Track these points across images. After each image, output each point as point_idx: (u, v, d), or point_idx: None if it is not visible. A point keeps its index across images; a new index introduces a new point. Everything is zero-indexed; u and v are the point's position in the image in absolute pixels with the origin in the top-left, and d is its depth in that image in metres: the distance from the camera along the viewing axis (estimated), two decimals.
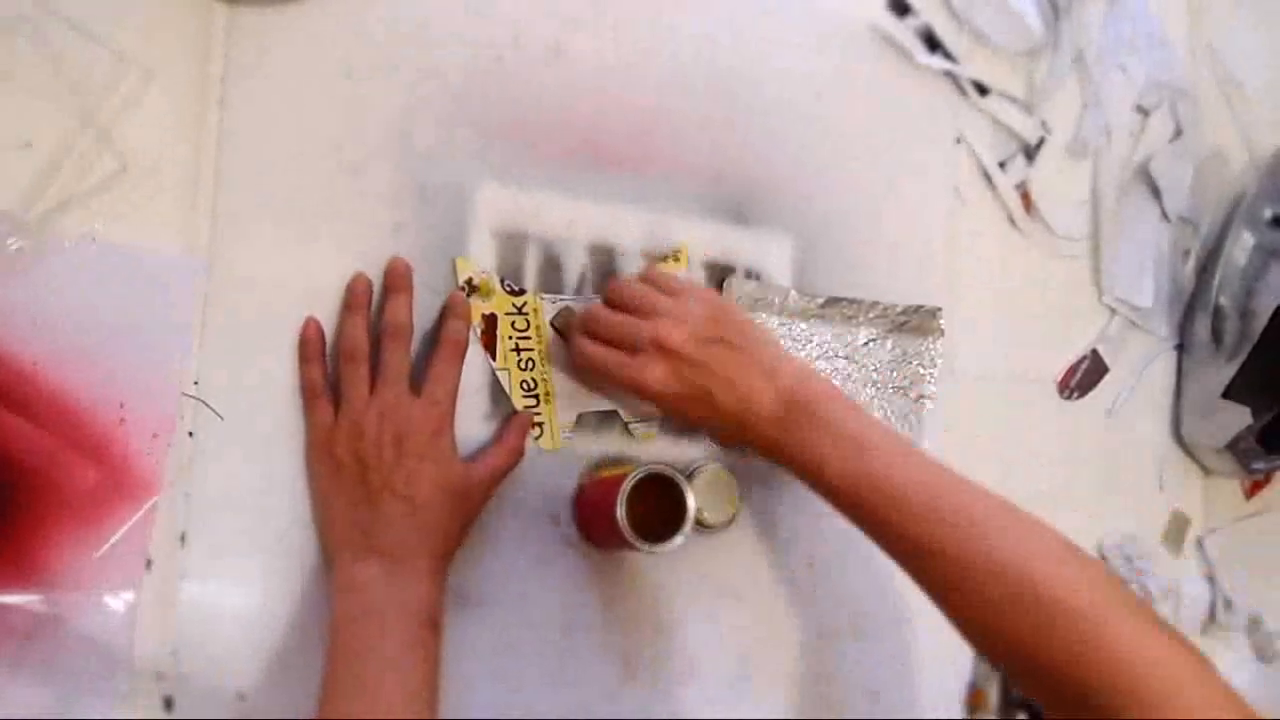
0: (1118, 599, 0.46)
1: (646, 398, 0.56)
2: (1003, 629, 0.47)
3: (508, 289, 0.60)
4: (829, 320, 0.67)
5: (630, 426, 0.62)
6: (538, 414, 0.59)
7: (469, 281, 0.59)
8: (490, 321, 0.59)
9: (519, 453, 0.58)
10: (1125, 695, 0.42)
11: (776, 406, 0.54)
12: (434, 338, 0.57)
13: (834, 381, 0.67)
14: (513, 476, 0.58)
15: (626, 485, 0.53)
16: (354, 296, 0.56)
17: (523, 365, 0.59)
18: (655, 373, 0.55)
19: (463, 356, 0.57)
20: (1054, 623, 0.45)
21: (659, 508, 0.54)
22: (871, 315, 0.68)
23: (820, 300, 0.67)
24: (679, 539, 0.54)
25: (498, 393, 0.59)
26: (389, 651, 0.49)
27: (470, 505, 0.55)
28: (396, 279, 0.56)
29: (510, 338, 0.59)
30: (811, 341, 0.67)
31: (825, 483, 0.53)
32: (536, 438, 0.59)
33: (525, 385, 0.59)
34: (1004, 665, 0.50)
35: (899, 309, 0.68)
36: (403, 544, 0.52)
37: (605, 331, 0.57)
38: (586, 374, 0.60)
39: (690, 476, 0.62)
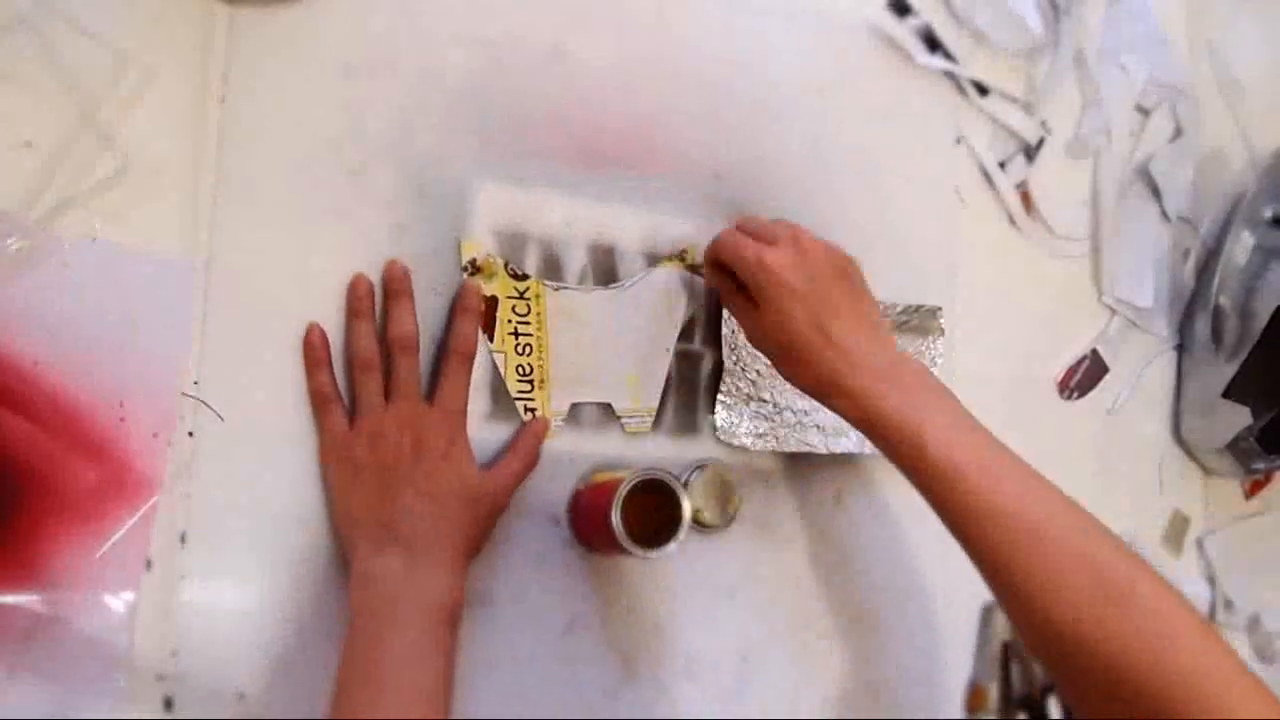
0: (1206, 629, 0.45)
1: (760, 283, 0.54)
2: (1089, 621, 0.45)
3: (511, 272, 0.60)
4: None
5: (623, 421, 0.62)
6: (531, 400, 0.59)
7: (473, 262, 0.59)
8: (491, 304, 0.59)
9: (535, 458, 0.58)
10: (1206, 710, 0.42)
11: (886, 360, 0.53)
12: (443, 342, 0.57)
13: None
14: None
15: (621, 491, 0.53)
16: (358, 302, 0.56)
17: (520, 350, 0.59)
18: (782, 257, 0.54)
19: (472, 362, 0.57)
20: (1151, 628, 0.44)
21: (655, 512, 0.54)
22: None
23: None
24: (674, 545, 0.54)
25: (499, 392, 0.59)
26: (404, 645, 0.49)
27: (489, 508, 0.55)
28: (396, 284, 0.57)
29: (510, 321, 0.59)
30: None
31: (922, 449, 0.50)
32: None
33: (521, 370, 0.59)
34: (1067, 655, 0.47)
35: (899, 309, 0.68)
36: (423, 536, 0.52)
37: (748, 225, 0.58)
38: (584, 364, 0.60)
39: (689, 477, 0.62)
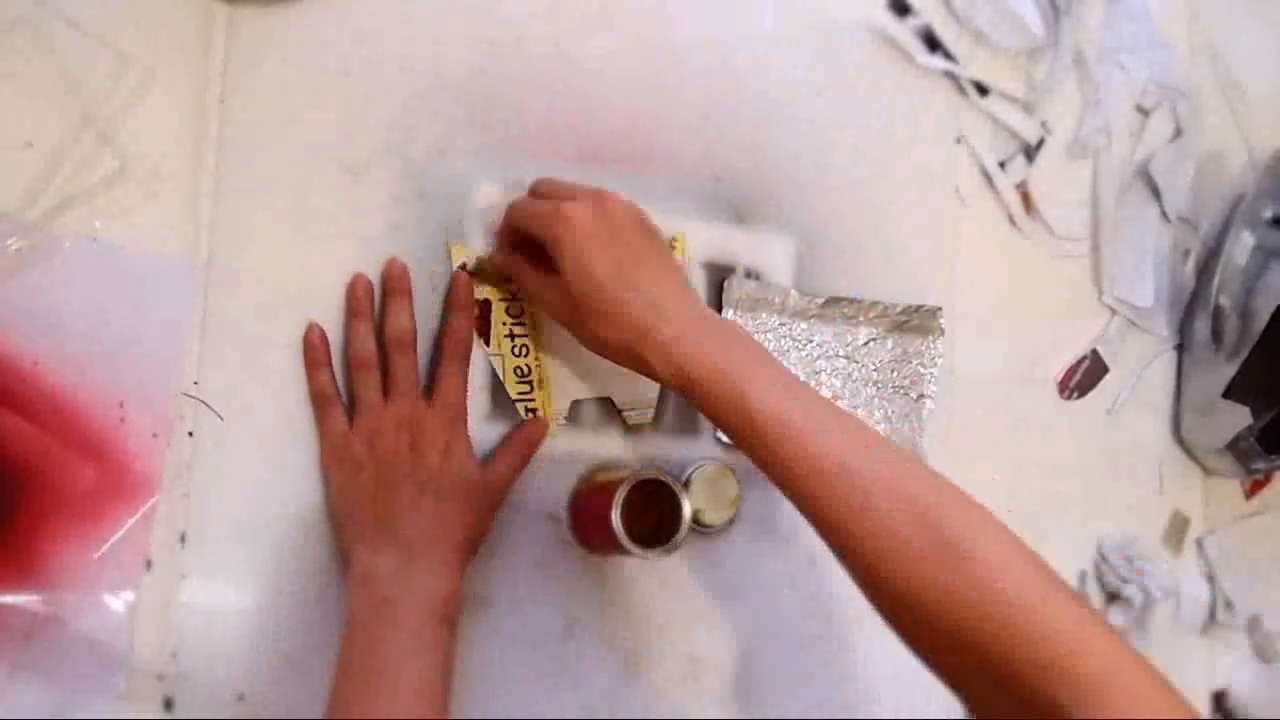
0: (1060, 586, 0.43)
1: (559, 234, 0.51)
2: (919, 579, 0.43)
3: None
4: (829, 320, 0.67)
5: (624, 414, 0.61)
6: (531, 400, 0.59)
7: (463, 266, 0.59)
8: (484, 308, 0.59)
9: (532, 451, 0.58)
10: (1057, 674, 0.39)
11: (698, 313, 0.50)
12: (438, 338, 0.57)
13: (834, 381, 0.67)
14: None
15: (621, 492, 0.53)
16: (356, 301, 0.56)
17: (517, 351, 0.59)
18: (581, 208, 0.51)
19: (468, 355, 0.57)
20: (992, 589, 0.42)
21: (655, 512, 0.54)
22: (872, 315, 0.68)
23: (820, 300, 0.67)
24: (674, 545, 0.54)
25: (499, 393, 0.59)
26: (400, 644, 0.48)
27: (488, 503, 0.55)
28: (394, 281, 0.57)
29: (504, 323, 0.59)
30: (811, 341, 0.67)
31: (744, 402, 0.46)
32: None
33: (519, 371, 0.59)
34: (914, 624, 0.45)
35: (899, 309, 0.68)
36: (422, 534, 0.52)
37: (541, 187, 0.57)
38: (582, 360, 0.60)
39: (689, 476, 0.62)
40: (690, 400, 0.49)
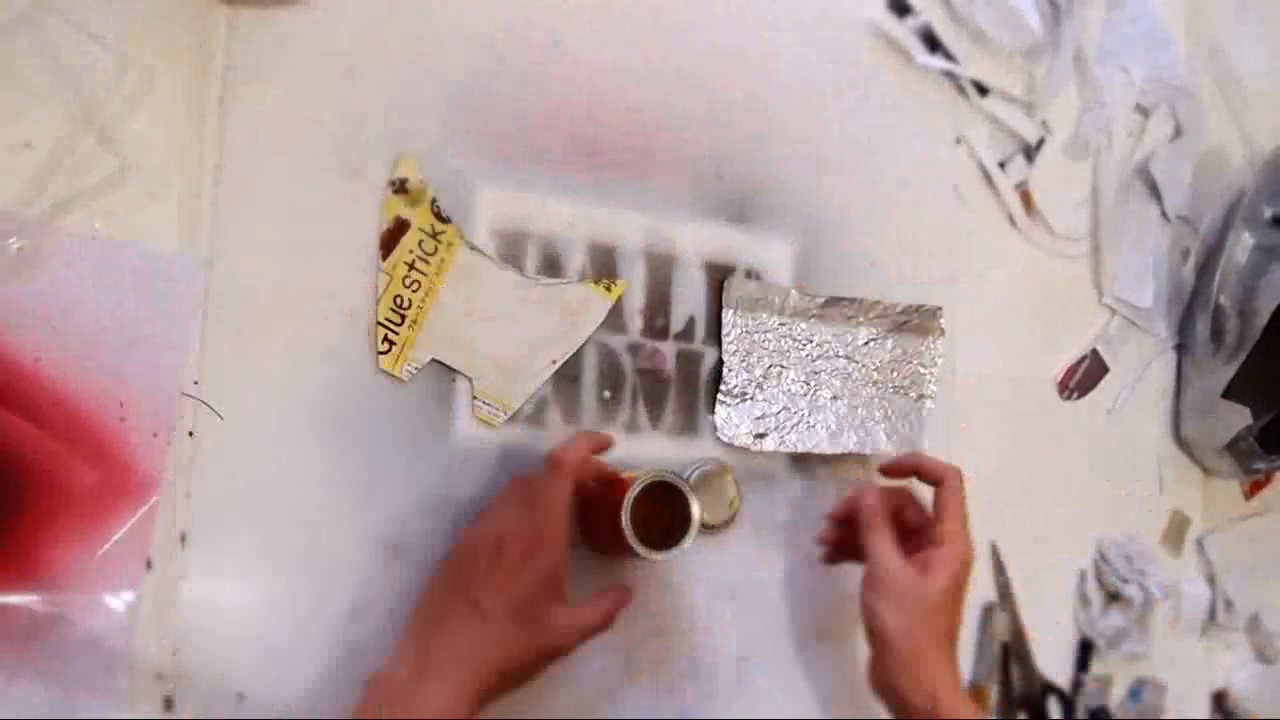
0: None
1: (967, 556, 0.58)
2: None
3: (435, 211, 0.59)
4: (829, 320, 0.67)
5: (475, 403, 0.59)
6: (395, 333, 0.57)
7: (403, 181, 0.58)
8: (401, 227, 0.58)
9: (611, 620, 0.53)
10: None
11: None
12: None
13: (835, 381, 0.67)
14: (510, 473, 0.58)
15: (631, 494, 0.53)
16: (596, 444, 0.56)
17: (406, 283, 0.58)
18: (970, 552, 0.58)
19: (571, 481, 0.53)
20: None
21: (664, 514, 0.54)
22: (872, 315, 0.68)
23: (820, 300, 0.67)
24: (683, 547, 0.53)
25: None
26: None
27: (545, 644, 0.51)
28: (599, 444, 0.57)
29: (410, 251, 0.58)
30: (811, 341, 0.67)
31: None
32: (383, 353, 0.57)
33: (398, 300, 0.58)
34: None
35: (899, 309, 0.68)
36: (449, 651, 0.49)
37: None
38: (466, 332, 0.58)
39: (689, 476, 0.62)
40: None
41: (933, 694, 0.54)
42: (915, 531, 0.60)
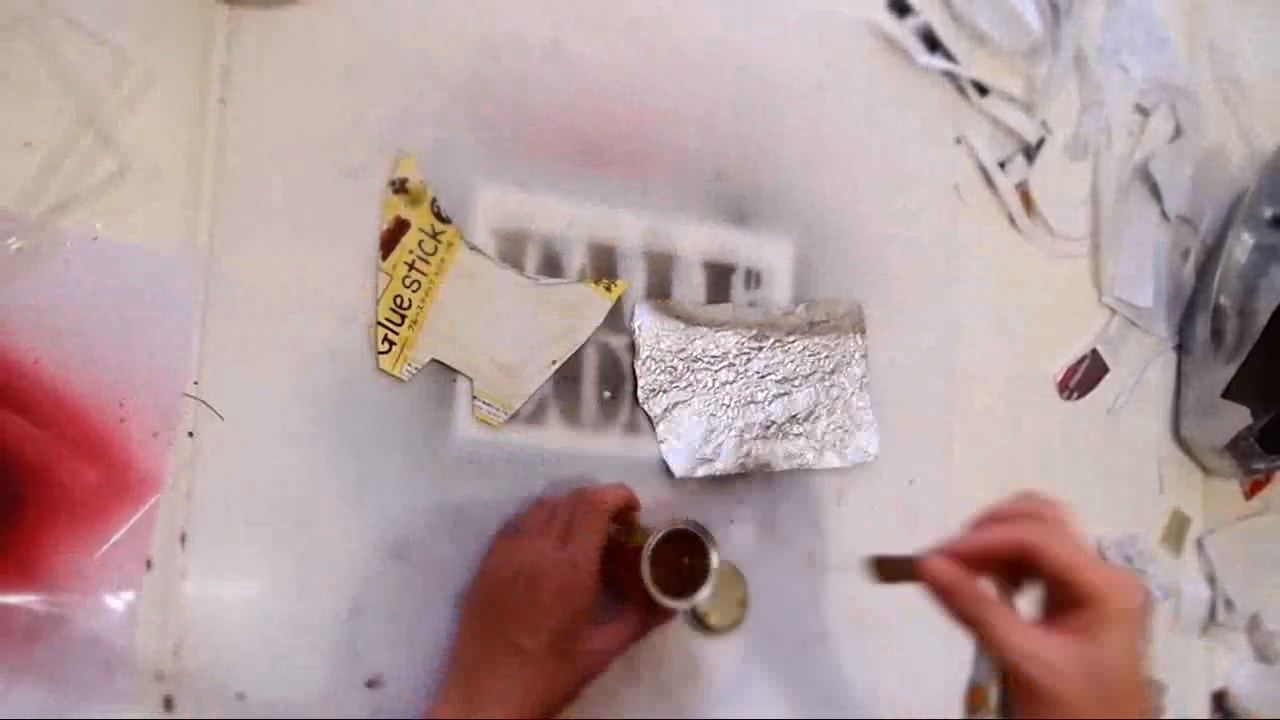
0: None
1: (1121, 603, 0.41)
2: None
3: (435, 211, 0.59)
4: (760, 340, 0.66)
5: (476, 402, 0.59)
6: (395, 333, 0.57)
7: (402, 181, 0.58)
8: (401, 226, 0.58)
9: (645, 627, 0.54)
10: None
11: None
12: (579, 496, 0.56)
13: (775, 409, 0.65)
14: (510, 474, 0.58)
15: (651, 542, 0.52)
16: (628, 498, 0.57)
17: (406, 283, 0.58)
18: (1138, 584, 0.42)
19: (607, 523, 0.54)
20: None
21: (680, 560, 0.54)
22: (784, 329, 0.66)
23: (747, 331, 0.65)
24: (703, 594, 0.53)
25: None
26: None
27: (585, 672, 0.52)
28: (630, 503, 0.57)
29: (411, 251, 0.58)
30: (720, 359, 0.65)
31: None
32: (383, 353, 0.57)
33: (399, 300, 0.58)
34: None
35: (804, 305, 0.67)
36: (493, 692, 0.49)
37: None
38: (468, 332, 0.58)
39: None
40: None
41: None
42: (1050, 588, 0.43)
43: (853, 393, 0.68)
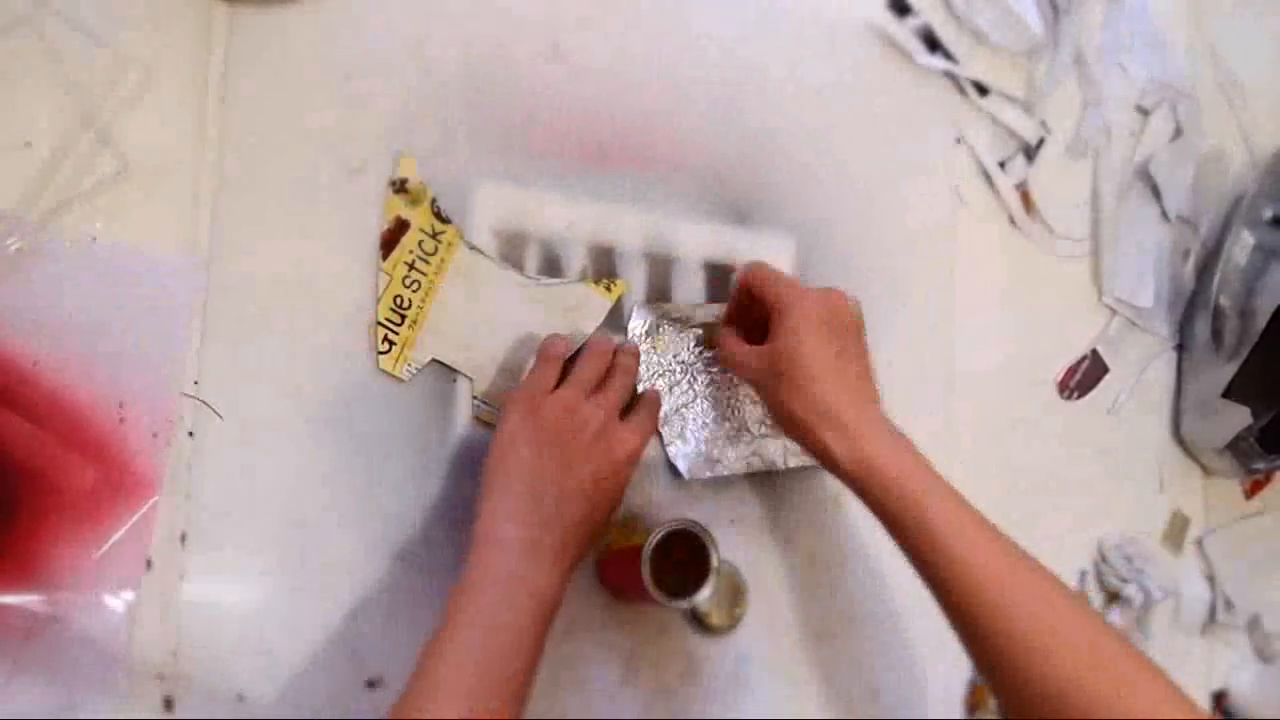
0: None
1: (789, 304, 0.55)
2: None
3: (435, 211, 0.59)
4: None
5: (475, 403, 0.59)
6: (395, 333, 0.58)
7: (403, 182, 0.58)
8: (401, 226, 0.58)
9: (652, 432, 0.59)
10: None
11: (883, 419, 0.55)
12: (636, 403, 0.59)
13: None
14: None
15: (651, 542, 0.53)
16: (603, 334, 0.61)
17: (406, 283, 0.58)
18: (815, 293, 0.56)
19: (657, 424, 0.60)
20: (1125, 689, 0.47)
21: (680, 560, 0.54)
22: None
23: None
24: (704, 594, 0.53)
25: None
26: (510, 623, 0.48)
27: (616, 501, 0.57)
28: (633, 349, 0.61)
29: (411, 252, 0.58)
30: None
31: (921, 509, 0.51)
32: (383, 353, 0.57)
33: (398, 300, 0.58)
34: None
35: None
36: (560, 526, 0.52)
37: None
38: (466, 331, 0.59)
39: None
40: (861, 491, 0.53)
41: (857, 447, 0.52)
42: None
43: None
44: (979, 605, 0.49)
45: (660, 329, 0.63)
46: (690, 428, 0.63)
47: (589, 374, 0.57)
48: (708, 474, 0.63)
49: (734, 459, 0.63)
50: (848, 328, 0.56)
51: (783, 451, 0.65)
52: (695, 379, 0.64)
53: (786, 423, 0.55)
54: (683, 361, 0.63)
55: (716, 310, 0.64)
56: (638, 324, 0.62)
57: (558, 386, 0.57)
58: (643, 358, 0.62)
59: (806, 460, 0.65)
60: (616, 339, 0.62)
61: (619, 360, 0.59)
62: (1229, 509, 0.82)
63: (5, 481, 0.49)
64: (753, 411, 0.64)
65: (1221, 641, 0.79)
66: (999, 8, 0.73)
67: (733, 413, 0.64)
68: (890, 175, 0.71)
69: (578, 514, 0.53)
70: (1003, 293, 0.74)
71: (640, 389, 0.62)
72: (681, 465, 0.62)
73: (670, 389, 0.63)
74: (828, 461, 0.53)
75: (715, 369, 0.64)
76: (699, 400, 0.63)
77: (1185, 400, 0.79)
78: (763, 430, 0.64)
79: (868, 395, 0.55)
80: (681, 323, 0.63)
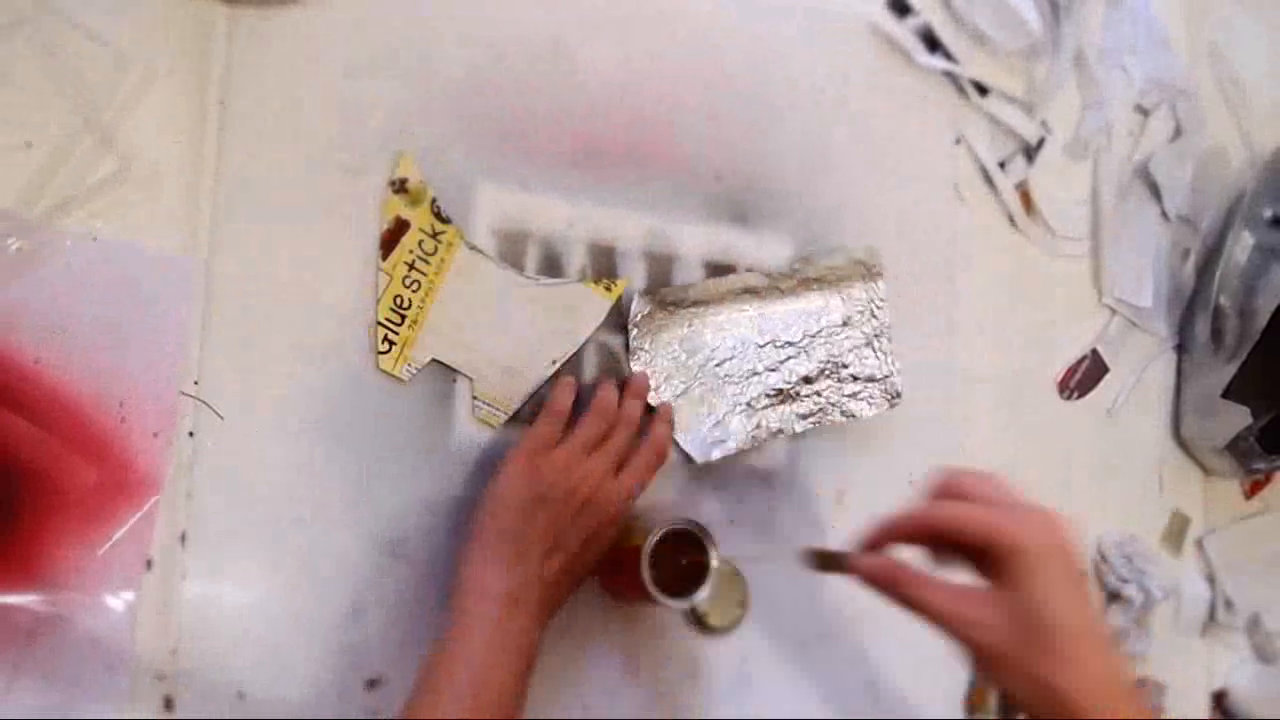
0: None
1: (1025, 546, 0.43)
2: None
3: (435, 211, 0.59)
4: (767, 297, 0.66)
5: (475, 403, 0.59)
6: (395, 333, 0.57)
7: (402, 181, 0.58)
8: (401, 226, 0.58)
9: (649, 482, 0.59)
10: None
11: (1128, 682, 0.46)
12: (643, 434, 0.60)
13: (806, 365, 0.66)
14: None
15: (650, 542, 0.53)
16: (609, 385, 0.61)
17: (407, 283, 0.58)
18: (1051, 523, 0.45)
19: (663, 463, 0.60)
20: None
21: (680, 559, 0.55)
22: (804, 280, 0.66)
23: (746, 279, 0.65)
24: (702, 593, 0.54)
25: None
26: (497, 681, 0.49)
27: (603, 553, 0.57)
28: (640, 389, 0.61)
29: (411, 251, 0.58)
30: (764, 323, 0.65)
31: None
32: (383, 353, 0.57)
33: (399, 300, 0.58)
34: None
35: (804, 257, 0.67)
36: (542, 584, 0.52)
37: (961, 486, 0.47)
38: (468, 332, 0.59)
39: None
40: None
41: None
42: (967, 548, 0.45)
43: (867, 341, 0.67)
44: None
45: (655, 317, 0.63)
46: (687, 414, 0.63)
47: (590, 434, 0.57)
48: (717, 454, 0.63)
49: (739, 435, 0.64)
50: (1079, 564, 0.44)
51: (795, 417, 0.65)
52: (693, 361, 0.64)
53: (1049, 703, 0.42)
54: (685, 347, 0.64)
55: (714, 285, 0.64)
56: (636, 313, 0.63)
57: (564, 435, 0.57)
58: (639, 346, 0.62)
59: (825, 418, 0.65)
60: (626, 372, 0.62)
61: (624, 410, 0.60)
62: (1229, 509, 0.82)
63: (6, 481, 0.49)
64: (755, 385, 0.64)
65: (1221, 641, 0.79)
66: (999, 8, 0.73)
67: (732, 390, 0.64)
68: (890, 175, 0.71)
69: (558, 571, 0.53)
70: (1003, 293, 0.74)
71: (638, 369, 0.62)
72: (690, 450, 0.63)
73: (667, 378, 0.63)
74: None
75: (715, 348, 0.64)
76: (695, 385, 0.63)
77: (1185, 400, 0.79)
78: (767, 402, 0.65)
79: (1118, 668, 0.43)
80: (675, 305, 0.63)
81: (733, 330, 0.65)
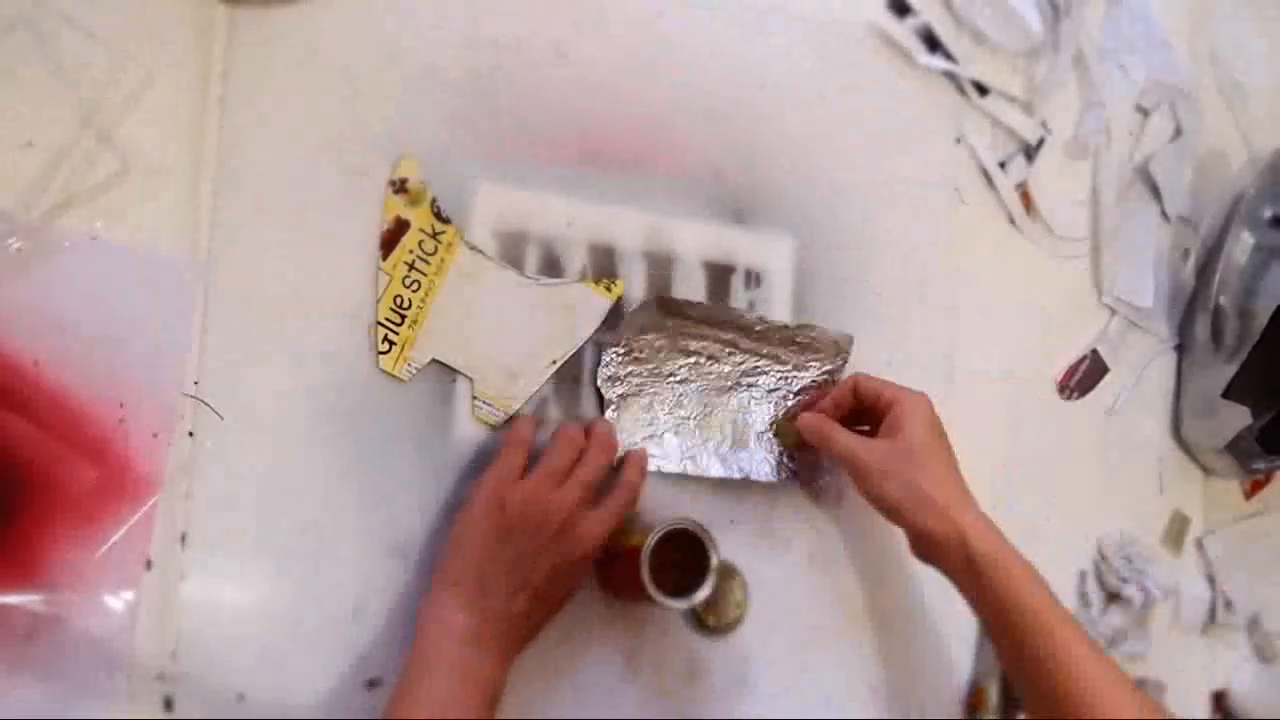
0: None
1: (911, 405, 0.60)
2: None
3: (435, 211, 0.59)
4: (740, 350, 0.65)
5: (475, 403, 0.59)
6: (395, 333, 0.57)
7: (402, 182, 0.58)
8: (401, 226, 0.58)
9: (621, 519, 0.57)
10: None
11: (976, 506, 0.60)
12: (616, 477, 0.58)
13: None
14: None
15: (650, 542, 0.53)
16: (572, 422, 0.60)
17: (407, 283, 0.58)
18: (926, 397, 0.62)
19: (634, 504, 0.58)
20: None
21: (679, 559, 0.54)
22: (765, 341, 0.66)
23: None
24: (702, 594, 0.54)
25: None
26: (460, 717, 0.49)
27: (573, 591, 0.56)
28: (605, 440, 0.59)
29: (411, 251, 0.58)
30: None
31: (1019, 597, 0.56)
32: (383, 353, 0.57)
33: (399, 300, 0.58)
34: None
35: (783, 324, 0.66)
36: (504, 618, 0.52)
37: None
38: (468, 332, 0.59)
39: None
40: (957, 571, 0.57)
41: (958, 526, 0.56)
42: (863, 416, 0.63)
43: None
44: (1060, 695, 0.54)
45: (637, 343, 0.62)
46: (671, 437, 0.63)
47: (559, 463, 0.56)
48: (693, 472, 0.63)
49: (718, 469, 0.64)
50: (943, 429, 0.61)
51: (774, 463, 0.65)
52: (674, 388, 0.63)
53: (900, 508, 0.58)
54: (661, 374, 0.63)
55: (714, 314, 0.64)
56: (614, 352, 0.62)
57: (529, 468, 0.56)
58: (623, 369, 0.62)
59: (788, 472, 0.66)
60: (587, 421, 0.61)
61: (594, 436, 0.58)
62: (1229, 509, 0.82)
63: (6, 481, 0.49)
64: (736, 419, 0.64)
65: (1221, 641, 0.80)
66: (999, 8, 0.73)
67: (717, 421, 0.64)
68: (890, 175, 0.71)
69: (524, 607, 0.53)
70: (1003, 293, 0.74)
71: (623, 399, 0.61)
72: (667, 468, 0.62)
73: (652, 404, 0.63)
74: (923, 535, 0.57)
75: (698, 374, 0.64)
76: (680, 408, 0.63)
77: (1185, 400, 0.79)
78: (759, 439, 0.65)
79: (965, 486, 0.60)
80: (657, 331, 0.63)
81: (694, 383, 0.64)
